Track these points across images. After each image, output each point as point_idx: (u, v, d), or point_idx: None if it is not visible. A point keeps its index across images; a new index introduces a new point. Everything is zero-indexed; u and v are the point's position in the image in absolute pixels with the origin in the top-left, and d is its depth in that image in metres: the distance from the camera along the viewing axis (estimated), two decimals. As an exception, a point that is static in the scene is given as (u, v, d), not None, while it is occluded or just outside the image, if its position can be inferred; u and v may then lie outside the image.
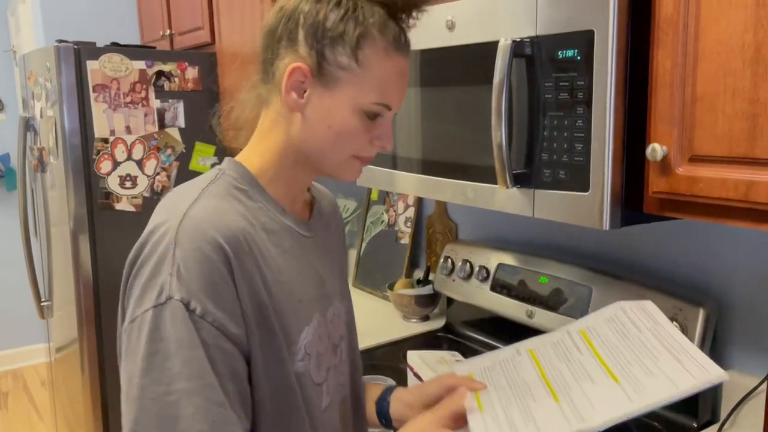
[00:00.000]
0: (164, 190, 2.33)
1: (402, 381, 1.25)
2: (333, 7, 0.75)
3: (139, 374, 0.66)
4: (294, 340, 0.76)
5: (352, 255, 2.28)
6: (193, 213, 0.71)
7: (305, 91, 0.76)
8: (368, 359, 1.61)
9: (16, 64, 3.49)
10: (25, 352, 3.94)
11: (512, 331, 1.56)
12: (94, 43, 2.18)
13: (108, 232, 2.23)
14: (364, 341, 1.69)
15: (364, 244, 2.21)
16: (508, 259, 1.56)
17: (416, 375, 1.21)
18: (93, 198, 2.21)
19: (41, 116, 2.35)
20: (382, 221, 2.16)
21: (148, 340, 0.66)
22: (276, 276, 0.75)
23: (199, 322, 0.67)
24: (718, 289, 1.23)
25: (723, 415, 1.19)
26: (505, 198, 1.11)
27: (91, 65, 2.15)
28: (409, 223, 2.04)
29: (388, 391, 0.99)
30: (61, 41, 2.14)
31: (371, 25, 0.75)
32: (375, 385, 1.02)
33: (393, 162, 1.39)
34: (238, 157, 0.82)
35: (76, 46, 2.13)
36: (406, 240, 2.04)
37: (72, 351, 2.34)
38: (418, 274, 1.95)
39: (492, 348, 1.63)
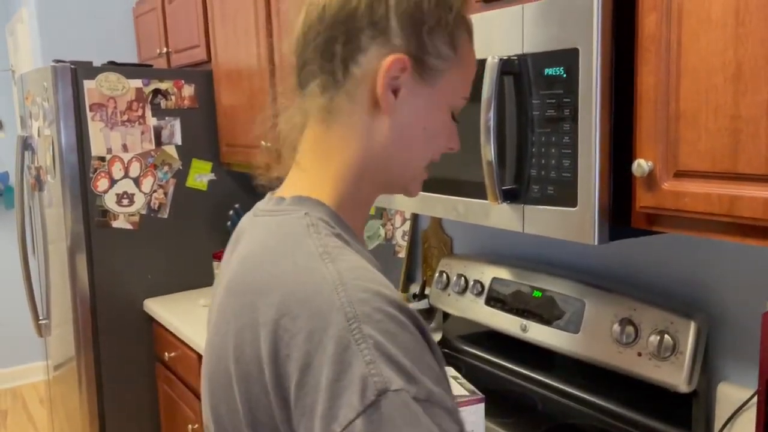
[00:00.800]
0: (161, 207, 2.34)
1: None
2: None
3: None
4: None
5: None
6: (346, 274, 0.55)
7: (398, 90, 0.63)
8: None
9: (15, 84, 3.52)
10: (23, 371, 3.93)
11: (507, 346, 1.57)
12: (91, 63, 2.20)
13: (105, 250, 2.24)
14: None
15: (360, 259, 2.21)
16: (502, 273, 1.57)
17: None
18: (90, 216, 2.22)
19: (39, 135, 2.37)
20: (380, 235, 2.17)
21: None
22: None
23: (427, 407, 0.50)
24: (709, 301, 1.24)
25: (717, 427, 1.20)
26: (495, 213, 1.12)
27: (87, 84, 2.17)
28: (406, 237, 2.05)
29: None
30: (58, 61, 2.16)
31: (461, 9, 0.65)
32: None
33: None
34: (305, 191, 0.65)
35: (72, 66, 2.15)
36: (403, 254, 2.05)
37: (69, 369, 2.34)
38: (415, 288, 1.95)
39: (488, 363, 1.63)
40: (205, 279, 2.14)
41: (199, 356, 1.92)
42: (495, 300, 1.55)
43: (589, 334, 1.31)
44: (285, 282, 0.56)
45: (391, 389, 0.49)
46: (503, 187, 1.08)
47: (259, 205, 0.69)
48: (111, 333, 2.27)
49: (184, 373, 2.09)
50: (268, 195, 0.70)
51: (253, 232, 0.65)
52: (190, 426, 2.05)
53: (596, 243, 0.97)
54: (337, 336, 0.51)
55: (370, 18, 0.61)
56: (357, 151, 0.65)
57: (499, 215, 1.12)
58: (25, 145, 2.52)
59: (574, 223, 0.99)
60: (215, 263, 1.95)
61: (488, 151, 1.06)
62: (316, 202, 0.64)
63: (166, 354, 2.21)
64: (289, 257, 0.58)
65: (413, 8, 0.62)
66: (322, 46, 0.63)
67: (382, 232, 2.15)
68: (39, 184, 2.47)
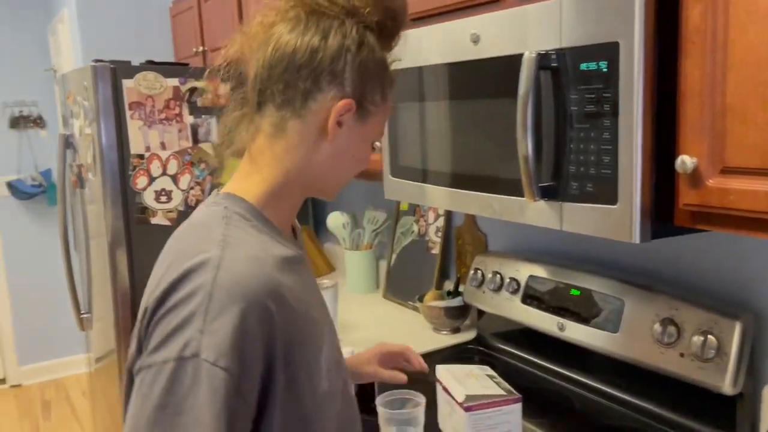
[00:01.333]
0: (198, 203, 2.37)
1: (431, 394, 1.24)
2: (370, 52, 0.81)
3: (146, 423, 0.66)
4: (318, 358, 0.78)
5: (382, 266, 2.28)
6: (228, 266, 0.70)
7: (341, 124, 0.81)
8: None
9: (57, 83, 3.61)
10: (67, 363, 4.05)
11: (544, 344, 1.55)
12: (129, 62, 2.24)
13: (144, 246, 2.29)
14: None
15: (394, 256, 2.21)
16: (538, 270, 1.55)
17: (445, 389, 1.20)
18: (130, 213, 2.26)
19: (80, 134, 2.42)
20: (412, 231, 2.16)
21: (164, 391, 0.66)
22: (301, 305, 0.76)
23: (220, 382, 0.66)
24: (755, 301, 1.20)
25: (763, 429, 1.16)
26: (532, 211, 1.11)
27: (126, 83, 2.21)
28: (439, 233, 2.04)
29: None
30: (98, 61, 2.20)
31: (390, 70, 0.85)
32: None
33: (422, 175, 1.39)
34: (230, 190, 0.82)
35: (112, 66, 2.19)
36: (436, 250, 2.04)
37: (110, 361, 2.40)
38: (449, 285, 1.94)
39: (524, 361, 1.62)
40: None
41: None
42: (531, 298, 1.53)
43: (628, 333, 1.29)
44: (183, 256, 0.73)
45: (201, 356, 0.66)
46: (540, 184, 1.06)
47: (208, 198, 0.86)
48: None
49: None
50: (215, 190, 0.87)
51: (191, 216, 0.84)
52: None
53: (638, 241, 0.95)
54: (196, 303, 0.68)
55: (331, 68, 0.79)
56: (295, 163, 0.81)
57: (536, 212, 1.10)
58: (67, 143, 2.58)
59: (615, 221, 0.97)
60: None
61: (525, 147, 1.05)
62: (239, 199, 0.80)
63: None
64: (197, 238, 0.76)
65: (363, 66, 0.80)
66: (289, 81, 0.79)
67: (415, 228, 2.15)
68: (80, 181, 2.53)
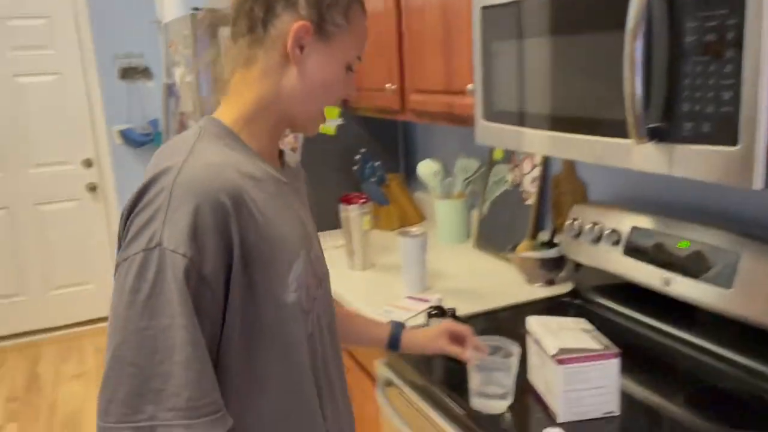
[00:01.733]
0: (294, 151, 2.40)
1: (521, 346, 1.21)
2: None
3: (124, 307, 0.75)
4: (285, 274, 0.84)
5: (474, 216, 2.23)
6: (187, 169, 0.79)
7: (303, 47, 0.85)
8: (488, 322, 1.57)
9: (161, 33, 3.74)
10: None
11: (646, 299, 1.46)
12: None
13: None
14: (485, 304, 1.65)
15: (486, 205, 2.15)
16: (643, 221, 1.44)
17: (536, 341, 1.16)
18: (227, 159, 2.32)
19: (181, 82, 2.50)
20: (506, 181, 2.09)
21: (135, 279, 0.75)
22: (266, 219, 0.82)
23: (180, 267, 0.74)
24: None
25: None
26: (638, 154, 1.02)
27: (223, 31, 2.24)
28: (535, 183, 1.95)
29: (398, 329, 1.25)
30: (196, 9, 2.24)
31: None
32: (377, 325, 1.26)
33: (518, 118, 1.32)
34: (217, 114, 0.89)
35: (209, 13, 2.22)
36: (531, 201, 1.96)
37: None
38: (544, 235, 1.87)
39: (624, 317, 1.53)
40: (334, 222, 2.19)
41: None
42: (634, 250, 1.44)
43: (743, 289, 1.18)
44: (155, 166, 0.81)
45: (163, 245, 0.75)
46: (649, 125, 0.97)
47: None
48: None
49: (314, 311, 2.17)
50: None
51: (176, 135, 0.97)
52: (319, 361, 2.14)
53: (760, 187, 0.85)
54: (159, 202, 0.77)
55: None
56: (267, 90, 0.87)
57: (643, 156, 1.01)
58: (170, 92, 2.67)
59: (734, 165, 0.87)
60: (341, 206, 1.98)
61: (632, 85, 0.95)
62: (217, 121, 0.87)
63: (298, 292, 2.30)
64: (170, 152, 0.83)
65: None
66: (249, 12, 0.85)
67: (509, 177, 2.07)
68: (183, 129, 2.63)
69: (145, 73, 4.04)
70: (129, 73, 4.01)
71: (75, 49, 3.86)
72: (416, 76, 1.87)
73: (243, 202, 0.80)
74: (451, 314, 1.39)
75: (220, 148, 0.83)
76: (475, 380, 1.13)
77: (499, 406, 1.12)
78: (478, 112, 1.46)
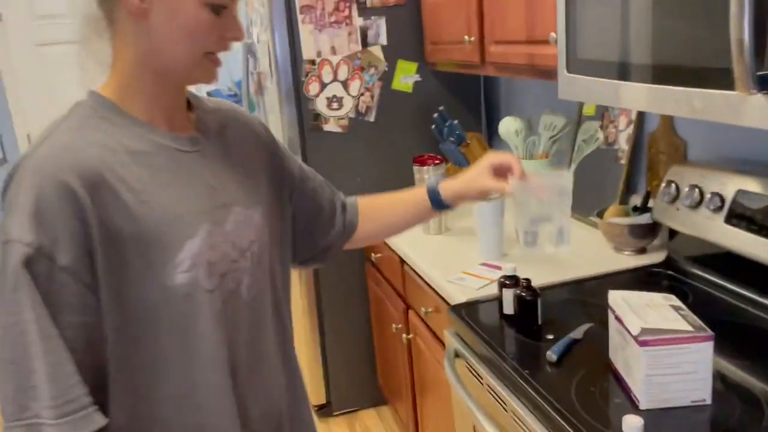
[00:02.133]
0: (368, 110, 2.33)
1: (600, 318, 1.09)
2: None
3: None
4: (172, 255, 0.79)
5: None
6: (36, 155, 0.76)
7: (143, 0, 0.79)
8: (568, 293, 1.46)
9: (244, -6, 3.73)
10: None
11: (751, 272, 1.29)
12: (300, -36, 2.19)
13: (318, 153, 2.32)
14: (566, 273, 1.53)
15: (573, 166, 2.00)
16: (750, 184, 1.27)
17: (618, 318, 1.04)
18: (304, 120, 2.29)
19: (257, 41, 2.47)
20: (597, 139, 1.92)
21: None
22: (143, 197, 0.78)
23: (22, 258, 0.72)
24: None
25: None
26: (746, 108, 0.87)
27: (292, -14, 2.17)
28: (629, 141, 1.78)
29: (432, 185, 1.11)
30: (270, -35, 2.19)
31: None
32: (412, 190, 1.14)
33: (605, 69, 1.17)
34: (98, 89, 0.84)
35: (283, -31, 2.16)
36: (625, 160, 1.79)
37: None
38: (636, 199, 1.71)
39: (724, 291, 1.37)
40: (409, 182, 2.12)
41: (402, 259, 1.92)
42: (739, 217, 1.27)
43: None
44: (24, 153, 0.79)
45: (12, 239, 0.73)
46: (759, 73, 0.82)
47: None
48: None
49: (389, 274, 2.13)
50: None
51: None
52: (393, 326, 2.11)
53: None
54: (11, 193, 0.76)
55: None
56: (132, 51, 0.82)
57: (752, 110, 0.86)
58: (249, 51, 2.66)
59: None
60: (415, 167, 1.90)
61: (740, 28, 0.80)
62: (94, 93, 0.83)
63: (373, 255, 2.26)
64: (39, 136, 0.81)
65: None
66: None
67: (600, 135, 1.90)
68: (261, 89, 2.61)
69: (230, 33, 4.07)
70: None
71: (164, 12, 3.93)
72: (496, 25, 1.73)
73: (103, 182, 0.76)
74: (525, 285, 1.29)
75: (90, 125, 0.80)
76: (522, 218, 1.00)
77: (552, 251, 0.99)
78: (561, 63, 1.32)
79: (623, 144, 1.81)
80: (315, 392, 2.54)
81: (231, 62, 4.06)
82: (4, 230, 0.74)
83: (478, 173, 1.08)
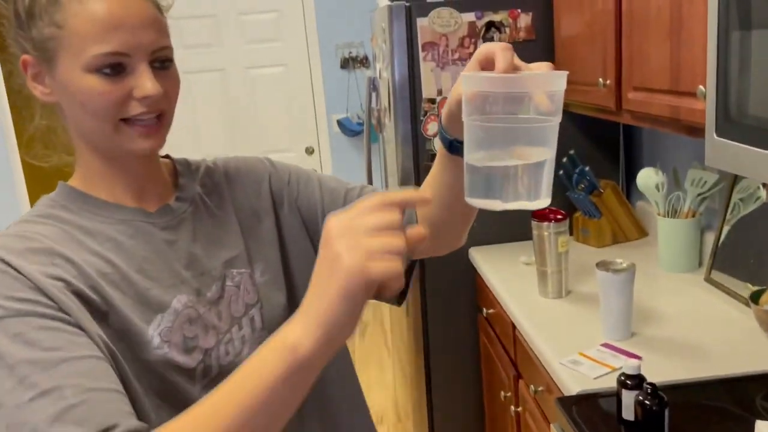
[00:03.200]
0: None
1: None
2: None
3: None
4: (138, 331, 0.72)
5: (708, 240, 1.79)
6: None
7: (42, 82, 0.75)
8: (710, 396, 1.20)
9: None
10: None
11: None
12: (425, 0, 2.10)
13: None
14: (710, 368, 1.27)
15: (726, 228, 1.70)
16: None
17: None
18: (420, 160, 2.18)
19: (379, 77, 2.41)
20: (758, 198, 1.62)
21: None
22: (103, 277, 0.72)
23: (9, 325, 0.64)
24: None
25: None
26: None
27: (420, 22, 2.08)
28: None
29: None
30: (395, 0, 2.11)
31: None
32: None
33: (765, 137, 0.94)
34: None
35: (407, 4, 2.08)
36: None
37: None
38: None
39: None
40: (528, 233, 1.93)
41: (513, 324, 1.73)
42: None
43: None
44: None
45: None
46: None
47: None
48: (437, 273, 2.25)
49: (501, 334, 1.94)
50: None
51: None
52: (502, 393, 1.91)
53: None
54: None
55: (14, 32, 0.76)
56: (72, 138, 0.79)
57: None
58: (372, 86, 2.60)
59: None
60: (533, 222, 1.71)
61: None
62: (61, 184, 0.80)
63: (485, 309, 2.09)
64: None
65: (14, 17, 0.75)
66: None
67: (763, 193, 1.61)
68: (380, 125, 2.54)
69: (363, 62, 4.08)
70: (349, 62, 4.08)
71: (301, 41, 4.03)
72: (635, 69, 1.51)
73: (54, 263, 0.70)
74: (650, 391, 1.07)
75: (46, 214, 0.75)
76: (476, 140, 0.64)
77: (522, 204, 0.63)
78: (710, 123, 1.09)
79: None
80: (418, 445, 2.40)
81: (361, 91, 4.07)
82: None
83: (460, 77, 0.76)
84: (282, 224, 0.89)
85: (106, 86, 0.71)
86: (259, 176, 0.91)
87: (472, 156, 0.66)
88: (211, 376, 0.77)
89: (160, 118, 0.76)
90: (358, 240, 0.54)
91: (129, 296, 0.73)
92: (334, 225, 0.56)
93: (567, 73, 0.69)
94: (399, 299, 0.94)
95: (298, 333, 0.55)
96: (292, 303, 0.85)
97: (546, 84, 0.65)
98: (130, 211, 0.79)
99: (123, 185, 0.79)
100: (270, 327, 0.81)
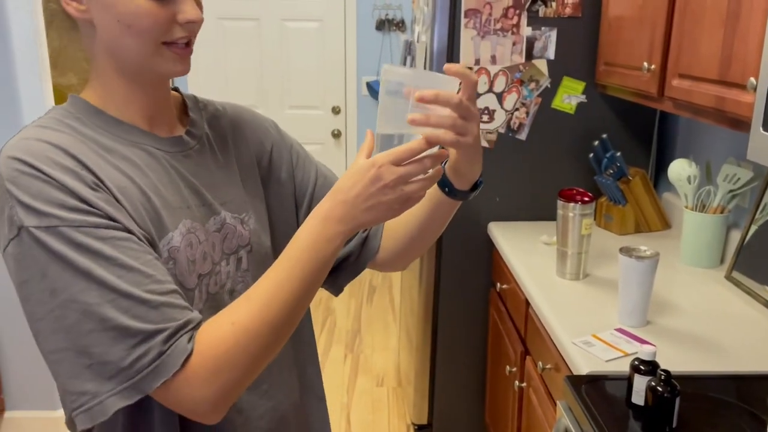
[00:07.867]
0: (521, 127, 2.14)
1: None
2: None
3: (24, 303, 0.69)
4: (154, 243, 0.74)
5: (734, 238, 1.77)
6: (10, 143, 0.71)
7: (79, 2, 0.75)
8: (722, 391, 1.20)
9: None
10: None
11: None
12: (472, -36, 2.05)
13: (460, 165, 2.18)
14: (726, 364, 1.27)
15: (753, 227, 1.68)
16: None
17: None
18: (450, 128, 2.15)
19: (417, 41, 2.37)
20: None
21: (16, 272, 0.69)
22: (122, 192, 0.73)
23: (57, 232, 0.67)
24: None
25: None
26: None
27: (462, -13, 2.04)
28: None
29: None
30: (441, -38, 2.07)
31: None
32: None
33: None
34: (81, 94, 0.81)
35: (454, -33, 2.04)
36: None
37: (412, 268, 2.44)
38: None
39: None
40: (550, 214, 1.91)
41: (526, 300, 1.74)
42: None
43: None
44: None
45: (25, 225, 0.68)
46: None
47: None
48: (453, 244, 2.25)
49: (512, 310, 1.95)
50: None
51: None
52: (508, 368, 1.93)
53: None
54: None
55: None
56: (94, 52, 0.79)
57: None
58: (409, 50, 2.57)
59: None
60: (559, 202, 1.69)
61: None
62: (76, 97, 0.80)
63: (498, 284, 2.09)
64: None
65: None
66: None
67: (796, 197, 1.57)
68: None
69: (399, 25, 4.02)
70: (384, 24, 4.02)
71: (339, -3, 3.98)
72: (683, 56, 1.48)
73: (82, 162, 0.72)
74: (664, 378, 1.07)
75: (61, 124, 0.75)
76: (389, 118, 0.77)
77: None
78: (758, 117, 1.07)
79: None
80: (417, 410, 2.43)
81: (395, 54, 4.02)
82: (10, 223, 0.69)
83: None
84: (271, 188, 0.94)
85: (154, 8, 0.74)
86: (264, 135, 0.96)
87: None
88: (202, 301, 0.80)
89: (188, 44, 0.78)
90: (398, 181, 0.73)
91: (146, 211, 0.75)
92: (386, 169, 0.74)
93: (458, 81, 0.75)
94: (336, 290, 0.99)
95: (337, 228, 0.72)
96: (275, 254, 0.89)
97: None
98: (143, 134, 0.80)
99: (137, 108, 0.80)
100: (252, 270, 0.87)
